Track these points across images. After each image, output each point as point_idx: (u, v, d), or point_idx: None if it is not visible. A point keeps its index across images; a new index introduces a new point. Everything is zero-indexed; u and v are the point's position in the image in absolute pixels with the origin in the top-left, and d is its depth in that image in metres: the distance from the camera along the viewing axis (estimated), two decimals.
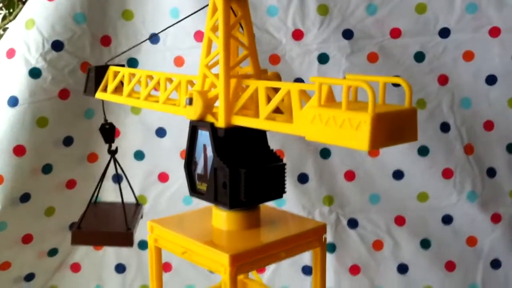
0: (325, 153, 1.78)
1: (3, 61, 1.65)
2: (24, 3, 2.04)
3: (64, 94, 1.70)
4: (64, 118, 1.72)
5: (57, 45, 1.65)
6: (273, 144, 1.02)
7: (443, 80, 1.75)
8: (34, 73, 1.64)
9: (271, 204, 1.08)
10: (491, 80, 1.75)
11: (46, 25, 1.63)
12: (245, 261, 0.90)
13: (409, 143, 1.69)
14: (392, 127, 0.76)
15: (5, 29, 2.13)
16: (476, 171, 1.78)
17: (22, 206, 1.69)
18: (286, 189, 1.02)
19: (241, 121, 0.93)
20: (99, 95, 1.26)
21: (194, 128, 0.99)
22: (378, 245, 1.81)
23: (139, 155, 1.81)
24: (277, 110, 0.92)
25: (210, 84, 0.98)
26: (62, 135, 1.73)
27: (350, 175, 1.79)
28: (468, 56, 1.74)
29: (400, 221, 1.80)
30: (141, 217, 1.42)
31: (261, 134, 0.99)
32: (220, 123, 0.95)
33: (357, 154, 1.78)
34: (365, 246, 1.80)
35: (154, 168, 1.82)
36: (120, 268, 1.85)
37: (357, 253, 1.80)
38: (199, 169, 1.00)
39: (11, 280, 1.77)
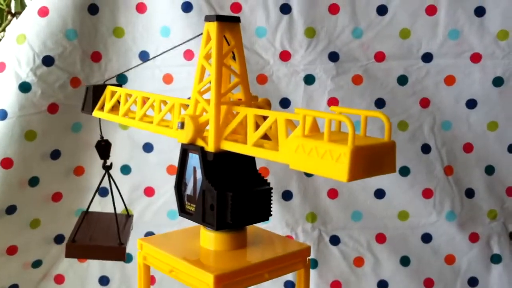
0: None
1: None
2: (13, 15, 2.06)
3: (53, 108, 1.71)
4: (52, 131, 1.73)
5: (47, 60, 1.67)
6: (258, 162, 1.05)
7: (425, 103, 1.80)
8: (24, 87, 1.65)
9: None
10: (471, 104, 1.81)
11: (37, 40, 1.65)
12: (229, 281, 0.93)
13: None
14: (371, 160, 0.80)
15: None
16: (455, 192, 1.83)
17: (8, 217, 1.71)
18: (272, 212, 1.05)
19: (229, 146, 0.96)
20: (96, 113, 1.28)
21: (184, 151, 1.02)
22: (359, 261, 1.85)
23: (125, 169, 1.83)
24: (265, 137, 0.96)
25: (202, 109, 1.01)
26: (49, 148, 1.75)
27: (333, 193, 1.83)
28: (450, 80, 1.79)
29: (381, 238, 1.84)
30: (131, 229, 1.45)
31: (249, 158, 1.03)
32: (210, 147, 0.98)
33: None
34: (347, 262, 1.84)
35: (140, 182, 1.84)
36: (104, 280, 1.87)
37: (338, 269, 1.84)
38: (189, 190, 1.03)
39: None
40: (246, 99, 1.02)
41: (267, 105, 1.05)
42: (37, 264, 1.83)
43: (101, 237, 1.36)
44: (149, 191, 1.85)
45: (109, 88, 1.28)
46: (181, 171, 1.03)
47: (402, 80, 1.79)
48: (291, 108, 1.79)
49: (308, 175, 1.82)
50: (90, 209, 1.49)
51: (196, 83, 1.01)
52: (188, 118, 0.99)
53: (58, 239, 1.84)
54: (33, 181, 1.74)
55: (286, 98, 1.78)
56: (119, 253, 1.31)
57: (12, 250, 1.76)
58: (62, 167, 1.79)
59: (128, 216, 1.48)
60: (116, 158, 1.79)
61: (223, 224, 0.98)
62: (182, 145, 1.03)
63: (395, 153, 0.85)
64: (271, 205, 1.03)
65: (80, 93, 1.73)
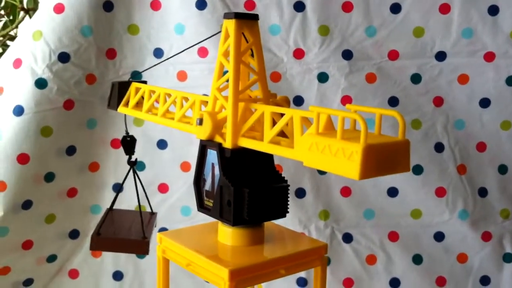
0: None
1: (10, 71, 1.68)
2: (26, 12, 2.07)
3: (68, 104, 1.73)
4: (67, 128, 1.75)
5: (63, 57, 1.68)
6: None
7: (438, 101, 1.81)
8: (40, 83, 1.67)
9: None
10: (484, 103, 1.81)
11: (53, 37, 1.67)
12: (245, 276, 0.95)
13: None
14: (384, 158, 0.80)
15: (4, 36, 2.15)
16: (468, 191, 1.83)
17: (24, 212, 1.72)
18: (289, 209, 1.06)
19: (246, 143, 0.97)
20: (121, 109, 1.30)
21: (203, 147, 1.04)
22: (371, 259, 1.85)
23: (139, 166, 1.84)
24: (283, 134, 0.97)
25: (220, 106, 1.02)
26: (65, 144, 1.76)
27: (346, 191, 1.83)
28: (463, 79, 1.80)
29: (393, 236, 1.85)
30: (155, 226, 1.47)
31: (267, 155, 1.04)
32: (228, 144, 0.99)
33: None
34: (359, 260, 1.85)
35: (154, 179, 1.85)
36: (118, 276, 1.88)
37: (351, 266, 1.85)
38: (207, 186, 1.04)
39: (10, 285, 1.80)
40: (264, 96, 1.03)
41: (286, 102, 1.06)
42: (51, 259, 1.85)
43: (125, 231, 1.38)
44: (163, 188, 1.86)
45: (134, 85, 1.29)
46: (199, 167, 1.05)
47: (416, 78, 1.79)
48: (305, 106, 1.80)
49: (321, 172, 1.83)
50: (104, 206, 1.52)
51: (215, 80, 1.02)
52: (207, 115, 1.00)
53: (73, 234, 1.86)
54: (49, 177, 1.76)
55: (299, 96, 1.79)
56: (142, 247, 1.33)
57: (27, 245, 1.78)
58: (77, 163, 1.81)
59: (152, 214, 1.50)
60: None
61: (240, 220, 0.99)
62: (201, 141, 1.04)
63: (409, 152, 0.86)
64: (288, 202, 1.04)
65: (95, 89, 1.76)
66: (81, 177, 1.83)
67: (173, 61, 1.77)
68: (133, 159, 1.41)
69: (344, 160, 0.79)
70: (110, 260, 1.88)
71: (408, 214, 1.84)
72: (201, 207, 1.06)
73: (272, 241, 1.06)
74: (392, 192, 1.83)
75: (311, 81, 1.78)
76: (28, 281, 1.83)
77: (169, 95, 1.15)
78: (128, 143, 1.42)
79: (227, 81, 1.00)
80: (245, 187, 0.97)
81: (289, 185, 1.04)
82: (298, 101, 1.79)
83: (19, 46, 1.70)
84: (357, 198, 1.84)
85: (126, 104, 1.29)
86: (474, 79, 1.79)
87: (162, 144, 1.84)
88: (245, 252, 1.01)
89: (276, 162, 1.77)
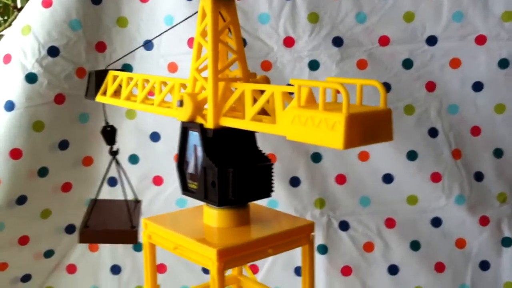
0: (316, 157, 1.82)
1: (0, 66, 1.68)
2: (19, 11, 2.08)
3: (59, 99, 1.73)
4: (59, 122, 1.75)
5: (53, 51, 1.68)
6: (266, 148, 1.05)
7: (430, 86, 1.80)
8: (30, 78, 1.67)
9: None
10: (477, 86, 1.79)
11: (42, 31, 1.66)
12: (233, 256, 0.94)
13: (398, 148, 1.77)
14: (367, 127, 0.80)
15: (0, 36, 2.16)
16: (464, 175, 1.82)
17: (19, 208, 1.72)
18: (274, 188, 1.05)
19: (228, 122, 0.96)
20: (99, 98, 1.29)
21: (185, 129, 1.03)
22: (369, 246, 1.84)
23: (133, 159, 1.84)
24: (264, 113, 0.96)
25: (200, 87, 1.02)
26: (57, 139, 1.76)
27: (341, 179, 1.83)
28: (455, 63, 1.78)
29: (390, 223, 1.84)
30: (141, 214, 1.46)
31: (249, 135, 1.03)
32: (209, 124, 0.98)
33: (347, 158, 1.82)
34: (356, 248, 1.84)
35: (148, 171, 1.85)
36: (116, 269, 1.88)
37: (348, 254, 1.84)
38: (191, 169, 1.03)
39: (8, 281, 1.80)
40: (244, 75, 1.02)
41: (266, 81, 1.05)
42: (49, 254, 1.84)
43: (113, 222, 1.37)
44: (157, 180, 1.86)
45: (111, 73, 1.29)
46: (182, 150, 1.04)
47: (407, 64, 1.78)
48: None
49: (316, 160, 1.82)
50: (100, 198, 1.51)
51: (193, 61, 1.02)
52: (187, 96, 1.00)
53: (69, 229, 1.86)
54: (42, 172, 1.75)
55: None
56: (131, 236, 1.32)
57: (24, 240, 1.78)
58: (71, 158, 1.80)
59: (137, 202, 1.50)
60: (124, 147, 1.80)
61: (225, 200, 0.98)
62: (182, 123, 1.03)
63: (391, 121, 0.85)
64: (273, 181, 1.03)
65: (85, 82, 1.76)
66: (75, 171, 1.82)
67: (163, 53, 1.78)
68: (114, 149, 1.40)
69: (327, 131, 0.79)
70: (108, 254, 1.88)
71: (404, 201, 1.83)
72: (185, 190, 1.05)
73: (259, 221, 1.05)
74: (388, 178, 1.82)
75: (302, 69, 1.77)
76: (26, 277, 1.83)
77: (148, 81, 1.14)
78: (109, 133, 1.41)
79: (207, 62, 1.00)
80: (229, 167, 0.97)
81: (273, 164, 1.03)
82: None
83: (9, 41, 1.70)
84: (353, 185, 1.83)
85: (104, 93, 1.28)
86: (466, 63, 1.78)
87: (155, 137, 1.83)
88: (232, 232, 1.00)
89: (269, 151, 1.79)
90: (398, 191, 1.82)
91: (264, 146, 1.75)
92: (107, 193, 1.73)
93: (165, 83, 1.11)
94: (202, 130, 0.99)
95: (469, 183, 1.82)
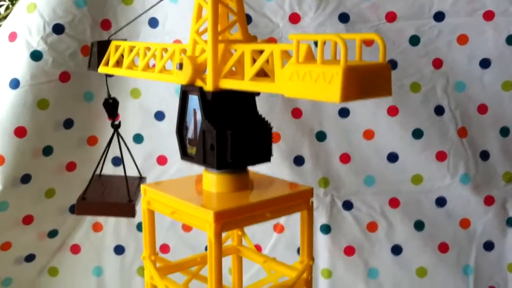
0: (320, 136, 1.80)
1: (6, 44, 1.69)
2: None
3: (64, 77, 1.73)
4: (64, 100, 1.75)
5: (58, 29, 1.68)
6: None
7: (437, 63, 1.78)
8: (35, 55, 1.67)
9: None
10: (485, 63, 1.77)
11: (47, 8, 1.66)
12: (230, 219, 0.93)
13: (404, 126, 1.75)
14: (365, 81, 0.79)
15: (6, 18, 2.16)
16: (470, 154, 1.80)
17: (23, 187, 1.72)
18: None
19: (227, 84, 0.96)
20: (101, 69, 1.29)
21: (184, 93, 1.02)
22: (372, 226, 1.83)
23: (138, 138, 1.84)
24: (265, 74, 0.95)
25: (201, 50, 1.01)
26: (62, 117, 1.76)
27: (345, 158, 1.81)
28: (463, 39, 1.76)
29: (394, 203, 1.82)
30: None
31: (249, 99, 1.02)
32: (208, 86, 0.98)
33: (352, 137, 1.81)
34: (360, 228, 1.83)
35: (152, 151, 1.85)
36: (119, 250, 1.88)
37: (351, 234, 1.83)
38: (190, 134, 1.03)
39: (12, 260, 1.80)
40: (244, 38, 1.01)
41: None
42: (53, 234, 1.85)
43: (111, 195, 1.37)
44: (161, 160, 1.85)
45: (114, 43, 1.28)
46: (181, 115, 1.04)
47: (414, 40, 1.76)
48: None
49: (320, 139, 1.81)
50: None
51: (193, 23, 1.01)
52: (186, 58, 0.99)
53: (73, 209, 1.85)
54: (47, 151, 1.76)
55: None
56: (128, 210, 1.33)
57: (28, 220, 1.78)
58: (76, 137, 1.81)
59: (141, 178, 1.49)
60: (128, 127, 1.82)
61: (224, 163, 0.97)
62: (182, 87, 1.03)
63: (390, 75, 0.84)
64: (272, 146, 1.02)
65: None
66: (79, 151, 1.82)
67: (168, 30, 1.78)
68: (116, 122, 1.40)
69: (325, 85, 0.78)
70: (112, 234, 1.89)
71: (409, 180, 1.81)
72: (185, 155, 1.05)
73: (258, 187, 1.04)
74: (392, 157, 1.81)
75: None
76: (30, 257, 1.83)
77: (149, 49, 1.14)
78: (111, 106, 1.41)
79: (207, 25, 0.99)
80: (227, 130, 0.96)
81: (272, 128, 1.02)
82: None
83: (14, 19, 1.70)
84: (357, 164, 1.82)
85: (107, 64, 1.27)
86: (473, 39, 1.76)
87: (159, 116, 1.83)
88: (230, 197, 0.99)
89: (273, 130, 1.77)
90: (403, 171, 1.81)
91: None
92: (111, 173, 1.74)
93: (166, 50, 1.10)
94: (202, 93, 0.98)
95: (475, 162, 1.80)
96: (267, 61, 0.93)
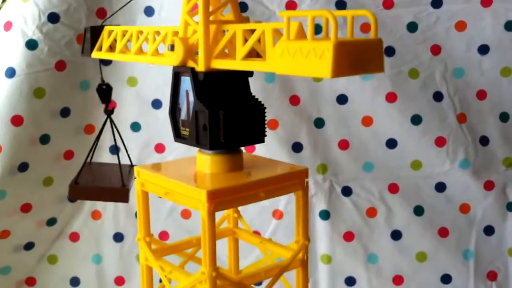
0: (319, 122, 1.80)
1: (1, 33, 1.68)
2: None
3: (60, 65, 1.72)
4: (60, 89, 1.74)
5: (53, 17, 1.67)
6: (267, 114, 1.04)
7: (435, 50, 1.77)
8: (31, 44, 1.66)
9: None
10: (483, 49, 1.76)
11: None
12: (223, 198, 0.93)
13: (403, 113, 1.74)
14: (356, 56, 0.78)
15: None
16: (469, 140, 1.79)
17: (21, 175, 1.72)
18: (266, 134, 1.03)
19: (219, 64, 0.95)
20: (95, 54, 1.28)
21: (176, 75, 1.02)
22: (371, 212, 1.82)
23: (135, 127, 1.84)
24: (257, 55, 0.94)
25: (192, 31, 1.00)
26: (59, 106, 1.76)
27: (344, 144, 1.81)
28: (461, 26, 1.75)
29: (393, 188, 1.82)
30: (135, 177, 1.46)
31: (242, 80, 1.02)
32: (200, 67, 0.97)
33: (351, 123, 1.80)
34: (359, 213, 1.82)
35: (150, 139, 1.85)
36: (118, 237, 1.88)
37: (351, 220, 1.82)
38: (183, 115, 1.02)
39: (11, 248, 1.80)
40: (236, 19, 1.01)
41: None
42: (51, 222, 1.85)
43: (104, 181, 1.38)
44: (159, 148, 1.85)
45: (107, 28, 1.27)
46: (174, 97, 1.03)
47: (412, 27, 1.75)
48: None
49: (319, 126, 1.80)
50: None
51: (184, 4, 1.00)
52: (178, 39, 0.98)
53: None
54: (44, 139, 1.75)
55: None
56: (122, 195, 1.33)
57: (26, 208, 1.79)
58: (72, 125, 1.80)
59: (131, 166, 1.49)
60: (125, 115, 1.82)
61: (217, 143, 0.97)
62: (174, 68, 1.02)
63: (382, 51, 0.83)
64: (265, 127, 1.01)
65: None
66: (77, 139, 1.82)
67: (165, 19, 1.77)
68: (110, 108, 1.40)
69: (316, 60, 0.77)
70: (111, 222, 1.89)
71: (408, 166, 1.81)
72: (178, 137, 1.04)
73: (252, 167, 1.04)
74: (391, 143, 1.80)
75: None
76: (29, 245, 1.83)
77: (142, 33, 1.13)
78: (104, 91, 1.40)
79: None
80: (220, 109, 0.95)
81: (265, 108, 1.01)
82: None
83: (9, 8, 1.70)
84: (356, 150, 1.81)
85: (100, 49, 1.27)
86: (471, 25, 1.75)
87: (156, 104, 1.82)
88: (224, 177, 0.99)
89: (271, 116, 1.78)
90: (402, 156, 1.80)
91: (266, 111, 1.75)
92: (109, 161, 1.74)
93: (158, 33, 1.10)
94: (194, 73, 0.98)
95: (474, 147, 1.79)
96: (259, 41, 0.92)
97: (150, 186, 1.05)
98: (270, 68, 0.86)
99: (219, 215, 1.21)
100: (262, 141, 1.01)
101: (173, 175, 1.00)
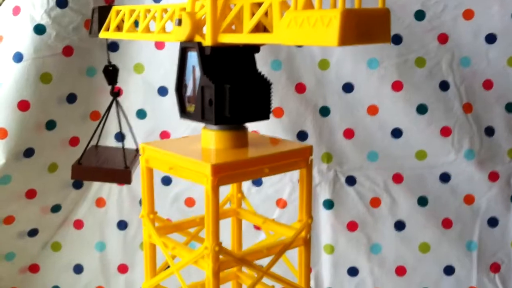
0: (324, 111, 1.80)
1: (10, 18, 1.69)
2: None
3: (68, 51, 1.73)
4: (67, 75, 1.75)
5: (61, 2, 1.68)
6: (273, 102, 1.04)
7: (443, 38, 1.76)
8: (39, 29, 1.67)
9: None
10: (490, 39, 1.75)
11: None
12: (227, 173, 0.93)
13: (408, 101, 1.74)
14: (363, 25, 0.78)
15: None
16: (475, 130, 1.78)
17: (26, 161, 1.73)
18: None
19: (226, 38, 0.95)
20: (102, 34, 1.28)
21: (183, 50, 1.02)
22: (375, 202, 1.82)
23: (141, 114, 1.84)
24: (265, 30, 0.94)
25: (200, 6, 1.00)
26: (65, 92, 1.76)
27: (349, 133, 1.80)
28: (468, 14, 1.75)
29: (398, 178, 1.81)
30: (139, 163, 1.46)
31: (248, 56, 1.02)
32: (207, 41, 0.97)
33: (356, 112, 1.80)
34: (363, 203, 1.82)
35: (155, 126, 1.84)
36: (122, 225, 1.88)
37: (354, 210, 1.82)
38: (189, 91, 1.02)
39: (15, 235, 1.81)
40: None
41: None
42: (56, 209, 1.85)
43: (108, 162, 1.38)
44: (164, 135, 1.85)
45: (114, 8, 1.28)
46: (180, 72, 1.03)
47: (419, 15, 1.74)
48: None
49: (324, 114, 1.80)
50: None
51: None
52: (185, 14, 0.98)
53: (77, 184, 1.86)
54: (50, 125, 1.76)
55: None
56: (124, 176, 1.33)
57: (31, 194, 1.79)
58: (79, 112, 1.81)
59: (137, 151, 1.50)
60: (131, 102, 1.82)
61: (222, 118, 0.97)
62: (181, 44, 1.02)
63: (389, 21, 0.83)
64: (271, 103, 1.01)
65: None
66: (82, 126, 1.82)
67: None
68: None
69: (323, 29, 0.77)
70: (115, 209, 1.88)
71: (413, 156, 1.80)
72: (183, 113, 1.04)
73: (257, 145, 1.04)
74: (396, 133, 1.79)
75: None
76: (33, 232, 1.84)
77: (149, 11, 1.14)
78: (111, 73, 1.41)
79: None
80: (226, 84, 0.95)
81: (271, 84, 1.01)
82: None
83: None
84: (361, 140, 1.81)
85: (108, 30, 1.27)
86: (479, 14, 1.74)
87: (163, 91, 1.82)
88: (229, 152, 0.99)
89: (276, 104, 1.78)
90: (407, 146, 1.80)
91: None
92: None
93: (166, 11, 1.10)
94: (201, 48, 0.98)
95: (480, 137, 1.79)
96: (266, 15, 0.92)
97: (154, 162, 1.05)
98: (277, 40, 0.85)
99: (222, 195, 1.22)
100: (267, 117, 1.01)
101: (178, 151, 1.00)
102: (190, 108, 1.02)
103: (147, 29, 1.16)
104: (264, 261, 1.03)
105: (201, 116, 0.99)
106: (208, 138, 1.01)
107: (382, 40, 0.82)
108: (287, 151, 1.01)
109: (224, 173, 0.92)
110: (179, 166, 0.98)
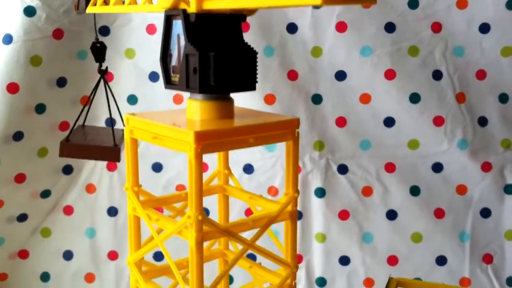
0: (316, 98, 1.78)
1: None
2: None
3: (58, 34, 1.71)
4: (57, 58, 1.74)
5: None
6: (264, 89, 1.03)
7: (436, 27, 1.75)
8: (29, 11, 1.66)
9: None
10: (484, 28, 1.74)
11: None
12: (211, 141, 0.91)
13: (401, 90, 1.72)
14: None
15: None
16: (468, 120, 1.77)
17: (15, 144, 1.71)
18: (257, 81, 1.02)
19: (211, 4, 0.94)
20: (90, 9, 1.27)
21: (168, 19, 1.00)
22: (367, 191, 1.80)
23: (132, 99, 1.82)
24: None
25: None
26: (55, 75, 1.75)
27: (341, 121, 1.79)
28: (462, 3, 1.74)
29: (390, 167, 1.80)
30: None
31: (234, 24, 1.00)
32: (192, 8, 0.96)
33: (348, 101, 1.78)
34: (355, 192, 1.80)
35: (146, 111, 1.82)
36: (112, 211, 1.87)
37: (346, 198, 1.80)
38: (174, 61, 1.01)
39: (4, 219, 1.79)
40: None
41: None
42: (45, 194, 1.83)
43: (96, 140, 1.36)
44: None
45: None
46: (165, 42, 1.01)
47: (413, 3, 1.73)
48: (298, 34, 1.75)
49: (316, 102, 1.78)
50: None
51: None
52: None
53: (66, 169, 1.85)
54: (40, 108, 1.74)
55: (293, 23, 1.75)
56: (114, 154, 1.32)
57: (20, 178, 1.77)
58: (69, 96, 1.79)
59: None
60: (122, 88, 1.81)
61: (207, 87, 0.95)
62: (166, 12, 1.01)
63: None
64: (256, 73, 1.00)
65: (84, 19, 1.73)
66: (73, 110, 1.80)
67: None
68: (103, 67, 1.39)
69: None
70: (105, 195, 1.87)
71: (405, 145, 1.79)
72: (168, 83, 1.03)
73: (243, 116, 1.02)
74: (389, 122, 1.78)
75: (304, 7, 1.74)
76: (23, 216, 1.82)
77: None
78: (99, 50, 1.39)
79: None
80: (210, 51, 0.94)
81: (257, 53, 1.00)
82: (292, 28, 1.75)
83: None
84: (353, 128, 1.79)
85: (95, 4, 1.26)
86: (473, 3, 1.73)
87: (154, 77, 1.81)
88: (213, 122, 0.97)
89: (268, 91, 1.76)
90: (399, 135, 1.79)
91: (263, 85, 1.74)
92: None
93: None
94: (185, 15, 0.96)
95: (473, 127, 1.77)
96: None
97: (138, 133, 1.03)
98: (262, 2, 0.84)
99: (209, 173, 1.20)
100: (253, 88, 1.00)
101: (162, 120, 0.99)
102: (175, 78, 1.01)
103: (134, 1, 1.14)
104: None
105: (186, 85, 0.97)
106: (193, 108, 1.00)
107: (367, 0, 0.80)
108: (273, 122, 1.00)
109: (207, 141, 0.90)
110: (163, 135, 0.96)
